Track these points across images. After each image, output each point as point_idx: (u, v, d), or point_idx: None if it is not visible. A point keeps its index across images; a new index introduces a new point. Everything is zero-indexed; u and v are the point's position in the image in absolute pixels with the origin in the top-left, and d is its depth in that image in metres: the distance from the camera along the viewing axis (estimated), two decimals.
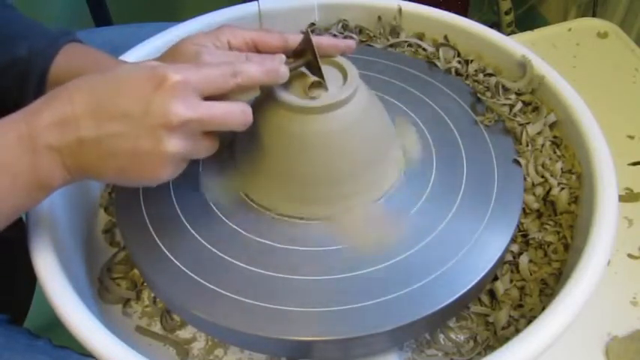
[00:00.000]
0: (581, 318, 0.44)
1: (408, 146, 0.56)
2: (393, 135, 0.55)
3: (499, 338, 0.49)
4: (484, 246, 0.49)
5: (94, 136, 0.40)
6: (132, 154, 0.41)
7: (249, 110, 0.44)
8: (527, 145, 0.58)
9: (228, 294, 0.46)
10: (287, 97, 0.48)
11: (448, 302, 0.45)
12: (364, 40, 0.70)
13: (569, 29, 0.88)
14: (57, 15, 1.53)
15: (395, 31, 0.70)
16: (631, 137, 0.74)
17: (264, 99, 0.48)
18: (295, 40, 0.50)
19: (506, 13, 1.35)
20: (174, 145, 0.41)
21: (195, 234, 0.50)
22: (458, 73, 0.65)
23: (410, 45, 0.69)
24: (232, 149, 0.54)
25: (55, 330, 0.49)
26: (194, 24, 0.68)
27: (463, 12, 1.42)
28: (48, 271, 0.47)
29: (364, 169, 0.51)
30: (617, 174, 0.52)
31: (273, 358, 0.50)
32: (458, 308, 0.49)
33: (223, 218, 0.51)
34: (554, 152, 0.58)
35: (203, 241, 0.50)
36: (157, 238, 0.50)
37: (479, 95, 0.61)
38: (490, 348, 0.49)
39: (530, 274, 0.52)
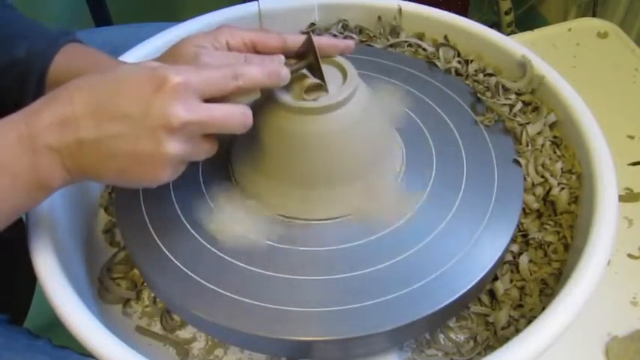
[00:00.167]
0: (581, 318, 0.44)
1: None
2: (392, 135, 0.55)
3: (499, 338, 0.49)
4: (484, 246, 0.49)
5: (93, 136, 0.40)
6: (132, 155, 0.41)
7: (249, 113, 0.44)
8: (527, 145, 0.58)
9: (228, 294, 0.46)
10: (287, 97, 0.48)
11: (448, 302, 0.45)
12: (364, 40, 0.70)
13: (569, 29, 0.88)
14: (57, 15, 1.53)
15: (395, 31, 0.70)
16: (631, 137, 0.74)
17: (264, 100, 0.48)
18: (294, 40, 0.50)
19: (506, 13, 1.35)
20: (174, 147, 0.40)
21: (196, 234, 0.50)
22: (458, 73, 0.65)
23: (410, 45, 0.69)
24: (232, 149, 0.54)
25: (55, 330, 0.49)
26: (194, 24, 0.68)
27: (463, 12, 1.42)
28: (48, 271, 0.47)
29: (364, 169, 0.51)
30: (617, 174, 0.52)
31: (273, 358, 0.50)
32: (458, 308, 0.49)
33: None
34: (554, 152, 0.58)
35: (203, 241, 0.50)
36: (157, 238, 0.50)
37: (479, 95, 0.61)
38: (490, 348, 0.49)
39: (530, 274, 0.52)
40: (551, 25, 0.89)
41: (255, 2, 0.69)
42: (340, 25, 0.71)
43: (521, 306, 0.51)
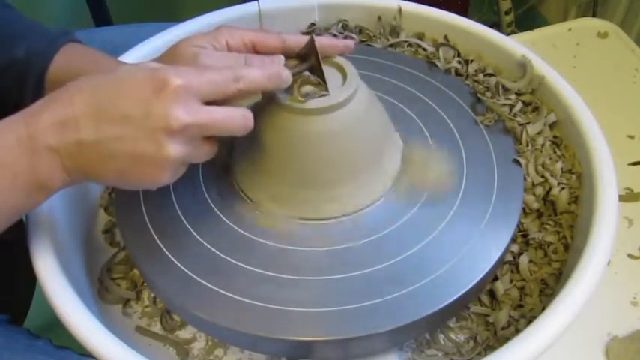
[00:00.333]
0: (581, 318, 0.44)
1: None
2: (393, 135, 0.55)
3: (499, 338, 0.49)
4: (484, 246, 0.49)
5: (93, 138, 0.40)
6: (132, 157, 0.40)
7: (250, 115, 0.44)
8: (527, 145, 0.58)
9: (228, 294, 0.46)
10: (287, 98, 0.48)
11: (448, 302, 0.45)
12: (364, 40, 0.70)
13: (569, 29, 0.88)
14: (57, 15, 1.53)
15: (395, 31, 0.70)
16: (631, 137, 0.74)
17: (265, 100, 0.48)
18: (294, 40, 0.50)
19: (506, 13, 1.35)
20: (175, 149, 0.40)
21: (196, 234, 0.50)
22: (458, 73, 0.65)
23: (410, 45, 0.69)
24: (232, 150, 0.54)
25: (55, 330, 0.49)
26: (194, 24, 0.68)
27: (463, 12, 1.42)
28: (48, 271, 0.47)
29: (364, 169, 0.51)
30: (617, 174, 0.52)
31: (273, 358, 0.50)
32: (458, 308, 0.49)
33: (223, 218, 0.51)
34: (554, 152, 0.58)
35: (203, 242, 0.50)
36: (157, 239, 0.50)
37: (479, 95, 0.61)
38: (490, 348, 0.49)
39: (530, 274, 0.52)
40: (551, 25, 0.89)
41: (255, 2, 0.69)
42: (340, 25, 0.71)
43: (521, 306, 0.51)
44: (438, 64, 0.65)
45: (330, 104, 0.47)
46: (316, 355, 0.46)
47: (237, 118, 0.43)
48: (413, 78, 0.63)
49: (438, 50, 0.67)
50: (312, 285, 0.47)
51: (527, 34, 0.87)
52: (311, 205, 0.50)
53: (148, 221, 0.51)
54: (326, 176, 0.50)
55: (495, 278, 0.52)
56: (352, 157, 0.50)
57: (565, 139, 0.59)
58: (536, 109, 0.62)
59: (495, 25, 1.37)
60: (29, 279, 0.52)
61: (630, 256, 0.63)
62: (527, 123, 0.59)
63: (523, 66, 0.63)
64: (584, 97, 0.59)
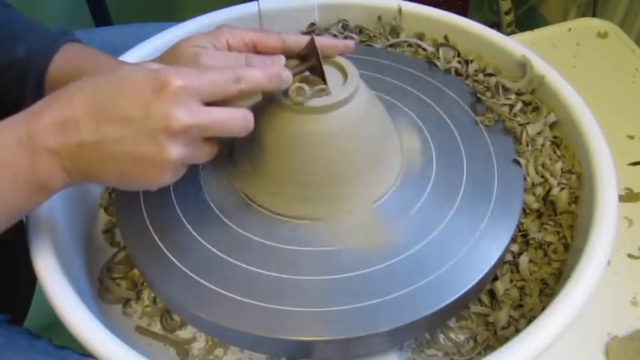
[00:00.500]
0: (581, 318, 0.44)
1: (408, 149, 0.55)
2: (393, 135, 0.55)
3: (499, 338, 0.49)
4: (484, 246, 0.49)
5: (94, 139, 0.40)
6: (132, 158, 0.40)
7: (250, 116, 0.44)
8: (527, 145, 0.58)
9: (228, 294, 0.46)
10: (287, 98, 0.47)
11: (448, 302, 0.45)
12: (364, 40, 0.70)
13: (569, 29, 0.88)
14: (57, 15, 1.53)
15: (395, 31, 0.70)
16: (631, 137, 0.74)
17: (265, 100, 0.48)
18: (294, 40, 0.50)
19: (506, 13, 1.35)
20: (175, 150, 0.40)
21: (196, 234, 0.50)
22: (458, 73, 0.65)
23: (410, 45, 0.69)
24: (232, 150, 0.54)
25: (55, 330, 0.49)
26: (194, 24, 0.68)
27: (463, 12, 1.42)
28: (48, 272, 0.47)
29: (365, 169, 0.51)
30: (617, 174, 0.52)
31: (273, 358, 0.50)
32: (458, 308, 0.49)
33: (223, 218, 0.51)
34: (554, 152, 0.58)
35: (203, 242, 0.50)
36: (157, 239, 0.50)
37: (479, 95, 0.61)
38: (490, 348, 0.49)
39: (530, 274, 0.52)
40: (551, 25, 0.89)
41: (255, 2, 0.69)
42: (340, 25, 0.72)
43: (521, 306, 0.51)
44: (438, 64, 0.65)
45: (330, 104, 0.47)
46: (316, 355, 0.46)
47: (237, 119, 0.43)
48: (413, 78, 0.63)
49: (438, 50, 0.67)
50: (312, 285, 0.47)
51: (527, 34, 0.87)
52: (311, 205, 0.50)
53: (148, 221, 0.51)
54: (326, 176, 0.50)
55: (495, 278, 0.52)
56: (352, 157, 0.50)
57: (565, 139, 0.59)
58: (536, 109, 0.62)
59: (495, 25, 1.37)
60: (29, 279, 0.52)
61: (630, 256, 0.63)
62: (527, 123, 0.59)
63: (523, 66, 0.63)
64: (584, 97, 0.59)
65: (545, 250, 0.53)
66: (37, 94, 0.53)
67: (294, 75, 0.47)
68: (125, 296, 0.53)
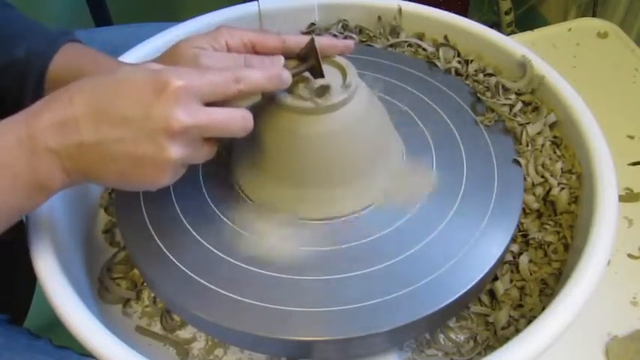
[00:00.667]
0: (581, 318, 0.44)
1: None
2: (392, 135, 0.55)
3: (499, 338, 0.49)
4: (484, 246, 0.49)
5: (94, 139, 0.40)
6: (132, 158, 0.40)
7: (249, 116, 0.44)
8: (527, 145, 0.58)
9: (228, 294, 0.46)
10: (287, 98, 0.48)
11: (448, 302, 0.45)
12: (364, 40, 0.70)
13: (569, 29, 0.88)
14: (57, 15, 1.53)
15: (395, 31, 0.70)
16: (631, 137, 0.74)
17: (265, 100, 0.48)
18: (293, 40, 0.50)
19: (506, 13, 1.35)
20: (175, 151, 0.40)
21: (196, 234, 0.50)
22: (458, 73, 0.65)
23: (410, 45, 0.69)
24: (232, 149, 0.54)
25: (55, 330, 0.49)
26: (194, 24, 0.68)
27: (463, 12, 1.42)
28: (48, 272, 0.47)
29: (365, 169, 0.51)
30: (617, 174, 0.52)
31: (273, 358, 0.50)
32: (458, 308, 0.49)
33: (223, 218, 0.51)
34: (554, 152, 0.58)
35: (203, 241, 0.50)
36: (157, 238, 0.50)
37: (479, 95, 0.61)
38: (490, 348, 0.49)
39: (530, 274, 0.52)
40: (551, 25, 0.89)
41: (255, 2, 0.69)
42: (340, 25, 0.71)
43: (521, 306, 0.51)
44: (438, 64, 0.65)
45: (330, 104, 0.47)
46: (316, 355, 0.46)
47: (237, 119, 0.43)
48: (413, 78, 0.63)
49: (438, 50, 0.67)
50: (312, 285, 0.47)
51: (527, 34, 0.87)
52: (311, 205, 0.50)
53: (148, 221, 0.51)
54: (326, 176, 0.50)
55: (495, 278, 0.52)
56: (352, 157, 0.50)
57: (565, 139, 0.59)
58: (536, 109, 0.62)
59: (495, 25, 1.37)
60: (29, 279, 0.52)
61: (630, 256, 0.63)
62: (527, 123, 0.59)
63: (523, 66, 0.63)
64: (584, 97, 0.59)
65: (545, 250, 0.53)
66: (36, 94, 0.53)
67: (294, 75, 0.47)
68: (125, 296, 0.53)
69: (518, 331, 0.49)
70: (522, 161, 0.56)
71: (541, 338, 0.42)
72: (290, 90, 0.48)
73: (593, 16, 1.21)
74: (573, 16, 1.32)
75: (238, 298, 0.46)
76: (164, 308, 0.52)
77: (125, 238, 0.52)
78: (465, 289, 0.46)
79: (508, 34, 0.89)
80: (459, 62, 0.66)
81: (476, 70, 0.65)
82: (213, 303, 0.46)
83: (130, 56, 0.63)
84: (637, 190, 0.68)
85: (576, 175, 0.56)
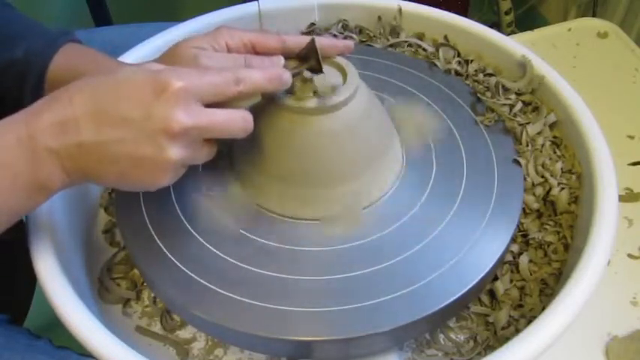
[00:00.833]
0: (581, 318, 0.44)
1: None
2: (393, 135, 0.55)
3: (499, 338, 0.49)
4: (484, 246, 0.49)
5: (94, 140, 0.40)
6: (132, 159, 0.40)
7: (249, 117, 0.44)
8: (527, 145, 0.58)
9: (228, 294, 0.46)
10: (287, 98, 0.48)
11: (448, 302, 0.45)
12: (364, 40, 0.70)
13: (569, 29, 0.88)
14: (57, 15, 1.53)
15: (395, 31, 0.70)
16: (631, 137, 0.74)
17: (265, 100, 0.49)
18: (293, 41, 0.50)
19: (506, 13, 1.35)
20: (175, 152, 0.40)
21: (196, 234, 0.50)
22: (458, 73, 0.65)
23: (410, 45, 0.69)
24: (232, 149, 0.54)
25: (55, 330, 0.49)
26: (194, 24, 0.68)
27: (463, 12, 1.42)
28: (48, 272, 0.47)
29: (364, 169, 0.51)
30: (617, 174, 0.52)
31: (273, 358, 0.50)
32: (458, 308, 0.49)
33: (224, 218, 0.51)
34: (554, 152, 0.58)
35: (203, 241, 0.50)
36: (157, 238, 0.50)
37: (479, 95, 0.61)
38: (490, 348, 0.49)
39: (530, 274, 0.52)
40: (551, 25, 0.89)
41: (255, 2, 0.69)
42: (340, 25, 0.71)
43: (521, 306, 0.51)
44: (438, 64, 0.65)
45: (330, 104, 0.47)
46: (316, 355, 0.46)
47: (237, 121, 0.43)
48: (413, 78, 0.63)
49: (438, 50, 0.67)
50: (312, 285, 0.47)
51: (527, 34, 0.87)
52: (311, 205, 0.50)
53: (148, 221, 0.51)
54: (326, 176, 0.50)
55: (495, 278, 0.52)
56: (352, 157, 0.50)
57: (565, 139, 0.59)
58: (536, 109, 0.62)
59: (495, 25, 1.37)
60: (29, 279, 0.52)
61: (630, 256, 0.63)
62: (527, 123, 0.59)
63: (523, 66, 0.63)
64: (584, 97, 0.59)
65: (545, 250, 0.53)
66: (36, 94, 0.53)
67: (294, 75, 0.47)
68: (125, 296, 0.53)
69: (518, 331, 0.49)
70: (522, 161, 0.56)
71: (541, 338, 0.42)
72: (290, 90, 0.48)
73: (593, 16, 1.21)
74: (573, 16, 1.32)
75: (238, 298, 0.46)
76: (164, 308, 0.52)
77: (125, 238, 0.52)
78: (465, 289, 0.46)
79: (508, 34, 0.89)
80: (459, 62, 0.66)
81: (476, 70, 0.65)
82: (213, 303, 0.46)
83: (130, 56, 0.63)
84: (637, 190, 0.68)
85: (576, 175, 0.56)
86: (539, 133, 0.59)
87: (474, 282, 0.46)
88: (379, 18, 0.71)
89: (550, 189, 0.55)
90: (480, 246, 0.49)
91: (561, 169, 0.57)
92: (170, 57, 0.49)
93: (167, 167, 0.41)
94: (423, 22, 0.70)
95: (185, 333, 0.51)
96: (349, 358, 0.48)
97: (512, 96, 0.62)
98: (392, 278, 0.47)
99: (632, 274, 0.61)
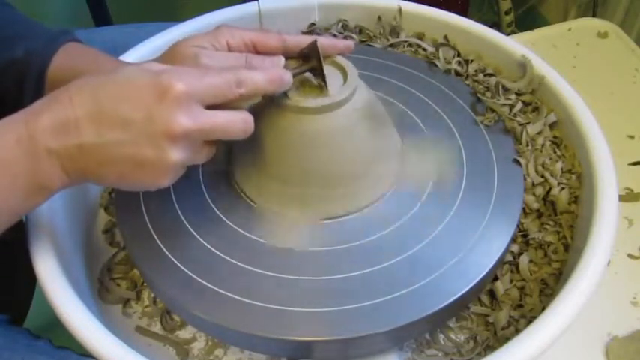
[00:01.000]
0: (581, 318, 0.44)
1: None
2: (393, 135, 0.55)
3: (499, 338, 0.49)
4: (484, 246, 0.49)
5: (94, 141, 0.40)
6: (133, 161, 0.40)
7: (250, 119, 0.44)
8: (527, 145, 0.58)
9: (228, 294, 0.46)
10: (287, 98, 0.48)
11: (448, 302, 0.45)
12: (364, 40, 0.70)
13: (569, 29, 0.88)
14: (57, 15, 1.53)
15: (395, 31, 0.70)
16: (631, 137, 0.74)
17: (265, 100, 0.49)
18: (294, 40, 0.50)
19: (506, 13, 1.35)
20: (176, 155, 0.40)
21: (196, 234, 0.50)
22: (458, 73, 0.65)
23: (410, 45, 0.69)
24: (232, 149, 0.54)
25: (55, 330, 0.49)
26: (194, 24, 0.68)
27: (463, 12, 1.42)
28: (48, 272, 0.47)
29: (364, 169, 0.51)
30: (617, 174, 0.52)
31: (273, 358, 0.50)
32: (458, 308, 0.49)
33: (224, 218, 0.51)
34: (554, 152, 0.58)
35: (203, 241, 0.50)
36: (156, 238, 0.50)
37: (479, 95, 0.61)
38: (490, 348, 0.49)
39: (530, 274, 0.52)
40: (551, 25, 0.89)
41: (255, 2, 0.69)
42: (340, 25, 0.71)
43: (521, 306, 0.51)
44: (438, 64, 0.65)
45: (330, 104, 0.47)
46: (316, 355, 0.46)
47: (237, 123, 0.43)
48: (413, 78, 0.63)
49: (438, 50, 0.67)
50: (312, 285, 0.47)
51: (527, 34, 0.87)
52: (311, 205, 0.50)
53: (148, 221, 0.51)
54: (326, 176, 0.50)
55: (495, 278, 0.52)
56: (352, 157, 0.50)
57: (565, 139, 0.59)
58: (536, 109, 0.62)
59: (495, 25, 1.37)
60: (29, 279, 0.52)
61: (630, 256, 0.63)
62: (527, 123, 0.59)
63: (523, 66, 0.63)
64: (584, 97, 0.59)
65: (545, 250, 0.53)
66: (36, 94, 0.53)
67: (294, 75, 0.47)
68: (125, 296, 0.53)
69: (518, 331, 0.49)
70: (522, 161, 0.56)
71: (541, 338, 0.42)
72: (290, 89, 0.48)
73: (593, 16, 1.21)
74: (573, 16, 1.32)
75: (238, 298, 0.46)
76: (164, 308, 0.52)
77: (125, 238, 0.52)
78: (465, 289, 0.46)
79: (508, 34, 0.89)
80: (459, 62, 0.66)
81: (476, 70, 0.65)
82: (213, 303, 0.46)
83: (130, 56, 0.63)
84: (637, 190, 0.68)
85: (576, 175, 0.56)
86: (539, 133, 0.59)
87: (474, 282, 0.46)
88: (379, 18, 0.71)
89: (550, 189, 0.55)
90: (480, 246, 0.49)
91: (561, 169, 0.57)
92: (170, 56, 0.49)
93: (168, 169, 0.41)
94: (423, 22, 0.70)
95: (185, 333, 0.51)
96: (349, 358, 0.48)
97: (512, 96, 0.62)
98: (392, 278, 0.47)
99: (632, 274, 0.61)
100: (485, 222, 0.50)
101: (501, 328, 0.49)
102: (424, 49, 0.68)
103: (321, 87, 0.48)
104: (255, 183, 0.52)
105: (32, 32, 0.55)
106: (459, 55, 0.67)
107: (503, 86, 0.62)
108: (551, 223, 0.54)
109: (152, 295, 0.53)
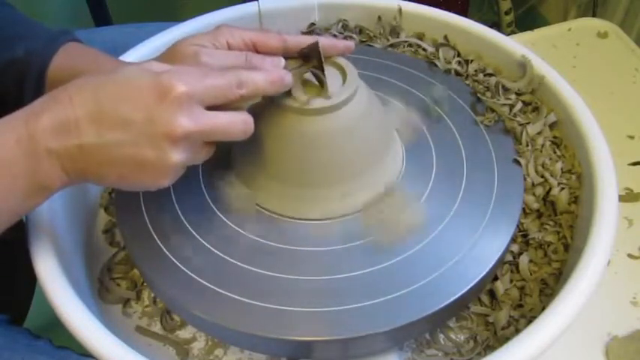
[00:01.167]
0: (581, 318, 0.44)
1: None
2: (393, 135, 0.55)
3: (499, 338, 0.49)
4: (484, 246, 0.49)
5: (95, 142, 0.40)
6: (133, 162, 0.40)
7: (250, 120, 0.44)
8: (527, 145, 0.58)
9: (228, 294, 0.46)
10: (287, 98, 0.48)
11: (448, 302, 0.45)
12: (364, 40, 0.70)
13: (569, 29, 0.88)
14: (57, 15, 1.53)
15: (395, 31, 0.70)
16: (631, 137, 0.74)
17: (265, 101, 0.49)
18: (294, 40, 0.50)
19: (506, 13, 1.35)
20: (177, 156, 0.40)
21: (196, 234, 0.50)
22: (458, 73, 0.65)
23: (410, 45, 0.69)
24: (233, 149, 0.54)
25: (55, 330, 0.49)
26: (194, 24, 0.68)
27: (463, 12, 1.42)
28: (48, 272, 0.47)
29: (364, 170, 0.51)
30: (617, 174, 0.52)
31: (273, 358, 0.50)
32: (458, 308, 0.49)
33: (223, 218, 0.51)
34: (554, 152, 0.58)
35: (203, 241, 0.50)
36: (156, 238, 0.50)
37: (479, 95, 0.61)
38: (490, 348, 0.49)
39: (530, 274, 0.52)
40: (551, 25, 0.89)
41: (255, 2, 0.69)
42: (340, 25, 0.71)
43: (521, 306, 0.51)
44: (438, 64, 0.65)
45: (330, 104, 0.47)
46: (316, 355, 0.46)
47: (238, 124, 0.43)
48: (413, 78, 0.63)
49: (438, 50, 0.67)
50: (312, 285, 0.47)
51: (527, 34, 0.87)
52: (311, 205, 0.50)
53: (148, 221, 0.51)
54: (326, 176, 0.50)
55: (495, 278, 0.52)
56: (352, 157, 0.50)
57: (565, 139, 0.59)
58: (536, 109, 0.62)
59: (495, 25, 1.37)
60: (29, 279, 0.52)
61: (630, 256, 0.63)
62: (527, 123, 0.59)
63: (523, 66, 0.63)
64: (584, 97, 0.59)
65: (545, 250, 0.53)
66: (36, 93, 0.52)
67: (294, 75, 0.47)
68: (125, 296, 0.53)
69: (518, 331, 0.49)
70: (522, 161, 0.56)
71: (541, 338, 0.42)
72: (290, 90, 0.48)
73: (593, 16, 1.21)
74: (573, 16, 1.32)
75: (238, 298, 0.46)
76: (164, 308, 0.52)
77: (125, 238, 0.52)
78: (465, 289, 0.46)
79: (508, 34, 0.89)
80: (459, 62, 0.66)
81: (476, 70, 0.65)
82: (213, 303, 0.46)
83: (130, 56, 0.63)
84: (637, 190, 0.68)
85: (576, 175, 0.56)
86: (539, 133, 0.59)
87: (474, 282, 0.46)
88: (379, 18, 0.71)
89: (550, 189, 0.55)
90: (480, 246, 0.49)
91: (561, 169, 0.57)
92: (171, 55, 0.49)
93: (168, 170, 0.41)
94: (423, 22, 0.70)
95: (185, 333, 0.51)
96: (349, 358, 0.48)
97: (512, 96, 0.62)
98: (392, 278, 0.47)
99: (632, 274, 0.61)
100: (485, 222, 0.50)
101: (501, 328, 0.49)
102: (424, 49, 0.68)
103: (321, 87, 0.48)
104: (255, 183, 0.52)
105: (32, 32, 0.55)
106: (459, 55, 0.67)
107: (503, 86, 0.62)
108: (551, 223, 0.54)
109: (152, 295, 0.53)
